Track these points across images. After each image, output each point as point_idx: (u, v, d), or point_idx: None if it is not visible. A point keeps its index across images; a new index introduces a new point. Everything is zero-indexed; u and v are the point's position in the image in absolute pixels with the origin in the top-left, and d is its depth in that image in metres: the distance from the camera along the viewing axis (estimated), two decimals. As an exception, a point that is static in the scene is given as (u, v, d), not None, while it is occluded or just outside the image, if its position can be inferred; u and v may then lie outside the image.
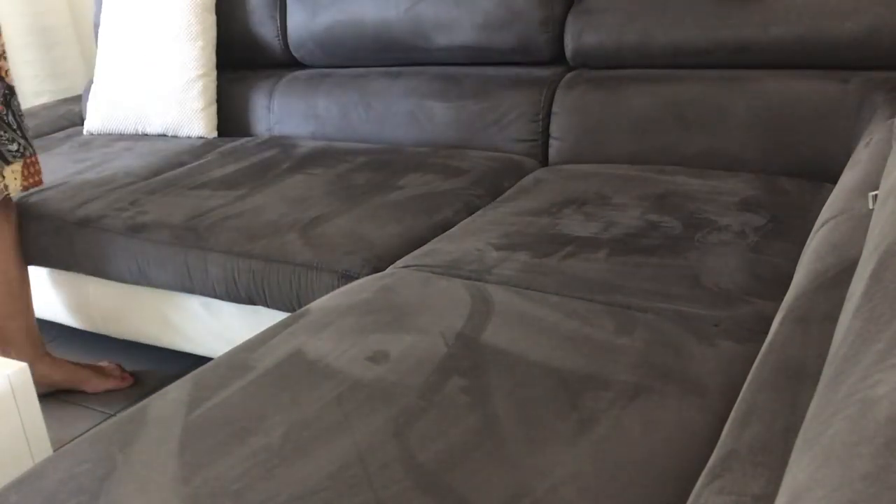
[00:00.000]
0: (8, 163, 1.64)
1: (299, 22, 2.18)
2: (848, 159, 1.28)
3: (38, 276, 1.89)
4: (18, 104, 1.70)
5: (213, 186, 1.77)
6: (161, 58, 2.15)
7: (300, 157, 1.96)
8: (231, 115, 2.27)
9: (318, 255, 1.41)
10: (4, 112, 1.65)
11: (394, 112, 2.06)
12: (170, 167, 1.96)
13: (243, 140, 2.18)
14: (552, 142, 1.89)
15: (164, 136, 2.22)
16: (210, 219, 1.58)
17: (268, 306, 1.50)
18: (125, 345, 1.99)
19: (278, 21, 2.23)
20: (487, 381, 0.90)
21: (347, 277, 1.37)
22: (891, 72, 1.56)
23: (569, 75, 1.92)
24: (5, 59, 1.66)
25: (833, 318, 0.67)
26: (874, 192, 0.84)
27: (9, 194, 1.66)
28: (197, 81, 2.14)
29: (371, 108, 2.10)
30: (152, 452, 0.81)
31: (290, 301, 1.44)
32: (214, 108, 2.19)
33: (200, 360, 1.67)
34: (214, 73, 2.18)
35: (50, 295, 1.90)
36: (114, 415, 1.73)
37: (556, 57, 1.95)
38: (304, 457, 0.78)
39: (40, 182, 1.74)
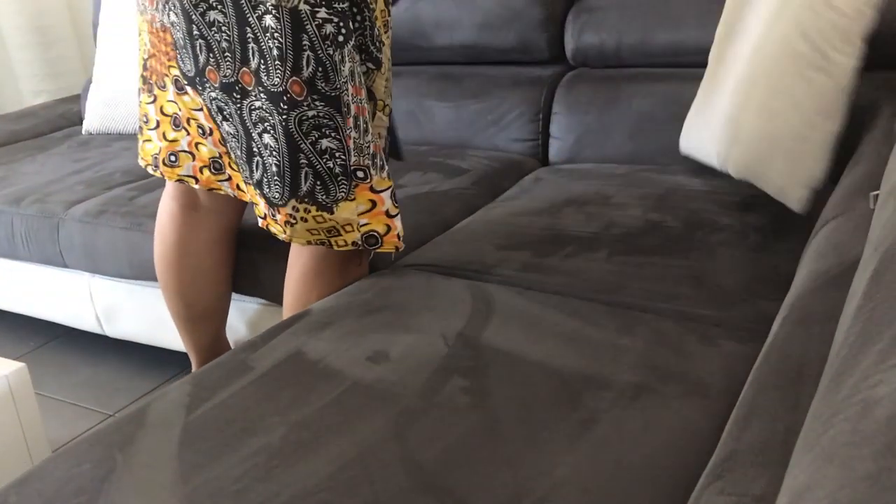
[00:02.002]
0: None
1: (299, 21, 2.18)
2: (849, 159, 1.28)
3: (37, 276, 1.88)
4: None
5: (212, 186, 1.77)
6: (161, 57, 2.14)
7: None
8: (231, 115, 2.27)
9: (318, 255, 1.41)
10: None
11: (393, 111, 2.06)
12: (169, 167, 1.96)
13: (243, 140, 2.18)
14: (552, 142, 1.89)
15: (164, 135, 2.22)
16: (210, 218, 1.58)
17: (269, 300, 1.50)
18: (124, 344, 1.99)
19: (278, 21, 2.23)
20: (488, 382, 0.90)
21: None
22: (891, 72, 1.56)
23: (569, 75, 1.92)
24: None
25: (834, 319, 0.67)
26: (875, 192, 0.84)
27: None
28: (197, 81, 2.13)
29: (371, 108, 2.10)
30: (152, 453, 0.81)
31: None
32: (214, 107, 2.20)
33: (200, 360, 1.67)
34: (214, 73, 2.18)
35: (49, 293, 1.90)
36: (113, 415, 1.73)
37: (557, 56, 1.95)
38: (304, 457, 0.78)
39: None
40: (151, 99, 1.27)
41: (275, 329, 1.06)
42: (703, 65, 1.75)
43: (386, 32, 1.14)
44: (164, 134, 1.28)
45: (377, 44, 1.08)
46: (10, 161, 2.15)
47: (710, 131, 1.45)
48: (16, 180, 1.96)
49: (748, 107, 1.24)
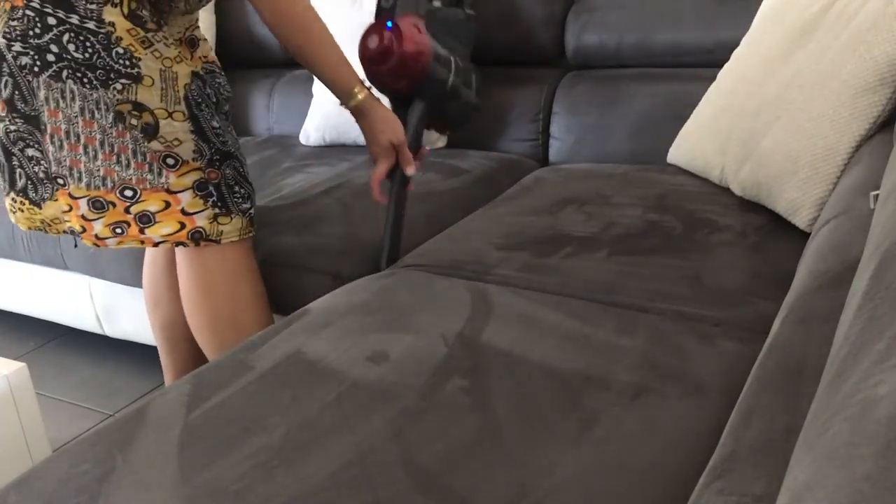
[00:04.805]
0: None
1: (299, 21, 2.18)
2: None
3: (37, 276, 1.88)
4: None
5: (212, 186, 1.76)
6: (161, 57, 2.14)
7: (300, 155, 1.96)
8: (231, 115, 2.27)
9: (317, 256, 1.41)
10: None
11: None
12: (169, 167, 1.95)
13: (243, 139, 2.18)
14: (552, 142, 1.89)
15: (164, 135, 2.22)
16: (210, 218, 1.58)
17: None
18: (124, 344, 1.99)
19: (278, 21, 2.23)
20: (487, 382, 0.90)
21: (346, 278, 1.36)
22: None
23: (569, 75, 1.92)
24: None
25: (834, 319, 0.67)
26: (875, 192, 0.84)
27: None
28: (197, 81, 2.13)
29: (371, 108, 2.09)
30: (152, 452, 0.81)
31: (288, 302, 1.44)
32: (214, 107, 2.19)
33: (200, 360, 1.67)
34: (214, 73, 2.18)
35: (50, 293, 1.90)
36: (113, 415, 1.73)
37: (557, 56, 1.95)
38: (304, 457, 0.78)
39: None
40: None
41: (274, 329, 1.06)
42: (703, 65, 1.75)
43: (148, 47, 1.17)
44: None
45: (125, 62, 1.16)
46: (10, 161, 2.14)
47: (716, 145, 1.45)
48: (16, 180, 1.95)
49: (775, 126, 1.24)
